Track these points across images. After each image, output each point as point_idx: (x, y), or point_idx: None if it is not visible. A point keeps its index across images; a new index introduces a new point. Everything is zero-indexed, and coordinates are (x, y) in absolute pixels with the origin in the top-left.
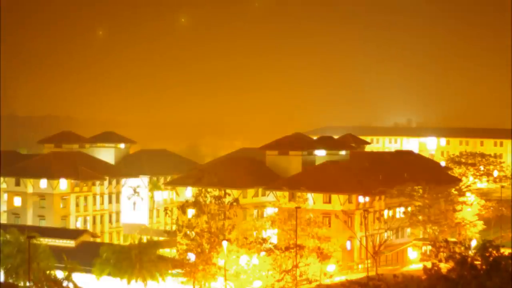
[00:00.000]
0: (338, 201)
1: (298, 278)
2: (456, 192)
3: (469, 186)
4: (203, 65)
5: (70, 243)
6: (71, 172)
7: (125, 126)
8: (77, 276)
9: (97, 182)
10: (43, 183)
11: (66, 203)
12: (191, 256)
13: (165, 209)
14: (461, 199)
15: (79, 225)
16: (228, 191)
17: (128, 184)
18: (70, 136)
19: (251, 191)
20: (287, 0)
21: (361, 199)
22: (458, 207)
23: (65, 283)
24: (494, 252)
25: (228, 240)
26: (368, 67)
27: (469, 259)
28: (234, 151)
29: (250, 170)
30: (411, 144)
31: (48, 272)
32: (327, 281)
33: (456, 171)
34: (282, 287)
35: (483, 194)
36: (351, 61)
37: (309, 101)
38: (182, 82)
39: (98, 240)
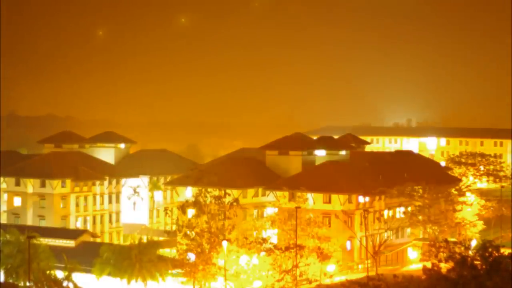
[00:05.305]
0: (338, 201)
1: (298, 278)
2: (456, 192)
3: (469, 186)
4: (204, 66)
5: (70, 243)
6: (71, 172)
7: (125, 126)
8: (77, 276)
9: (97, 182)
10: (43, 183)
11: (66, 203)
12: (191, 256)
13: (165, 209)
14: (461, 199)
15: (79, 225)
16: (228, 191)
17: (128, 184)
18: (70, 136)
19: (251, 191)
20: (287, 1)
21: (361, 199)
22: (458, 207)
23: (65, 283)
24: (494, 252)
25: (228, 240)
26: (368, 67)
27: (469, 259)
28: (234, 151)
29: (250, 170)
30: (411, 144)
31: (48, 272)
32: (327, 281)
33: (456, 171)
34: (282, 287)
35: (483, 194)
36: (351, 62)
37: (309, 101)
38: (182, 82)
39: (98, 240)
